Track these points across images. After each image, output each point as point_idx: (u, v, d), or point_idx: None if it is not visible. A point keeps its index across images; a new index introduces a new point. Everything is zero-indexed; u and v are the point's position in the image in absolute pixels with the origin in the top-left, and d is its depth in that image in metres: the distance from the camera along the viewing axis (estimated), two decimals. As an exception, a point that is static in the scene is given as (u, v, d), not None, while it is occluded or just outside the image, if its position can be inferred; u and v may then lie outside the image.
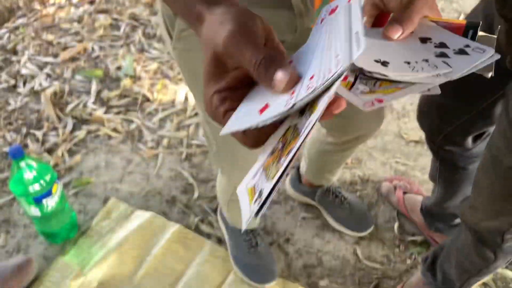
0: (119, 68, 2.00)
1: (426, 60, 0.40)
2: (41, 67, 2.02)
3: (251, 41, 0.35)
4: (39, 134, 1.73)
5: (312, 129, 0.31)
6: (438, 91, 0.42)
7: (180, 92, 1.89)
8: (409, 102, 1.84)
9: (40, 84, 1.92)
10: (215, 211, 1.49)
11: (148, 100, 1.87)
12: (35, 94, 1.90)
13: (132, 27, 2.23)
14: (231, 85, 0.38)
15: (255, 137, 0.36)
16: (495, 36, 0.44)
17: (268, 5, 0.68)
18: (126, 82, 1.92)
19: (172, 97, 1.88)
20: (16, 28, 2.28)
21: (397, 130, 1.74)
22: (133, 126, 1.77)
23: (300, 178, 1.48)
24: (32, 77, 1.97)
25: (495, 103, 0.88)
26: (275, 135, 0.36)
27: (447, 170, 1.15)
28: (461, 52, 0.41)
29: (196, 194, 1.54)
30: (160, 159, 1.66)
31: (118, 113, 1.81)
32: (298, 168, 1.49)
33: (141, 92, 1.89)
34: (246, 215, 0.33)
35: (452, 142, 1.04)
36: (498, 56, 0.40)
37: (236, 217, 1.28)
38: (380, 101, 0.39)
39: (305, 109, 0.34)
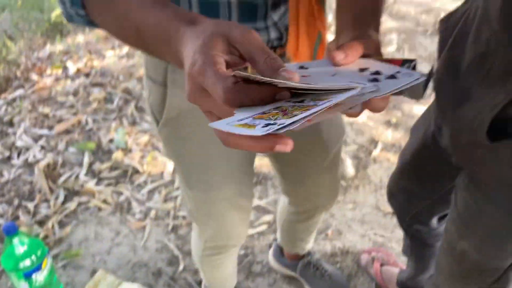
0: (111, 140, 2.10)
1: (357, 82, 0.45)
2: (36, 139, 2.11)
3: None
4: (30, 206, 1.79)
5: (328, 106, 0.38)
6: (358, 109, 0.46)
7: (169, 164, 1.98)
8: (385, 175, 1.94)
9: (34, 156, 2.01)
10: (199, 283, 1.53)
11: (138, 172, 1.95)
12: (29, 166, 1.97)
13: (125, 100, 2.36)
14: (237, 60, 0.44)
15: (242, 92, 0.39)
16: (427, 72, 0.48)
17: None
18: (117, 154, 2.01)
19: (161, 169, 1.97)
20: (14, 100, 2.39)
21: (374, 202, 1.83)
22: (122, 197, 1.84)
23: (282, 251, 1.55)
24: (27, 149, 2.06)
25: (452, 190, 0.98)
26: (261, 108, 0.40)
27: (417, 247, 1.23)
28: (392, 77, 0.46)
29: (181, 267, 1.59)
30: (148, 231, 1.71)
31: (108, 185, 1.89)
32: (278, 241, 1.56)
33: (131, 164, 1.97)
34: (248, 128, 0.36)
35: (419, 222, 1.13)
36: (423, 78, 0.44)
37: (212, 277, 1.32)
38: (284, 126, 0.41)
39: (304, 99, 0.41)
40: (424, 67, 2.62)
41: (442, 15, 0.86)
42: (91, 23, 0.60)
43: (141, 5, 0.51)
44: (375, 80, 0.46)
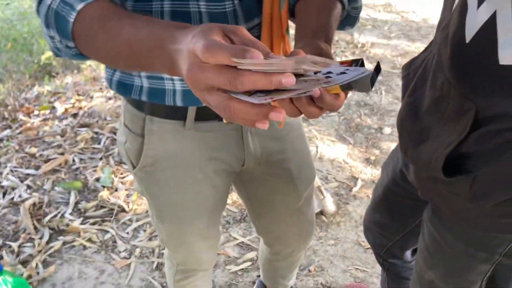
0: (97, 179, 2.13)
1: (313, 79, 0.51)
2: (22, 179, 2.13)
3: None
4: (14, 245, 1.79)
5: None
6: (311, 93, 0.52)
7: (154, 203, 2.01)
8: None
9: (20, 196, 2.03)
10: (183, 321, 1.54)
11: (123, 210, 1.98)
12: (14, 205, 1.99)
13: (112, 140, 2.41)
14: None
15: (218, 44, 0.44)
16: (372, 70, 0.53)
17: (222, 146, 0.91)
18: (103, 193, 2.04)
19: (146, 207, 2.00)
20: (1, 140, 2.42)
21: (355, 238, 1.88)
22: (107, 236, 1.85)
23: None
24: (13, 188, 2.07)
25: (420, 224, 1.04)
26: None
27: (393, 280, 1.28)
28: (342, 73, 0.52)
29: (165, 304, 1.60)
30: (132, 269, 1.73)
31: (94, 223, 1.91)
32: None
33: (117, 203, 2.00)
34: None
35: (393, 256, 1.19)
36: (369, 72, 0.50)
37: None
38: (272, 98, 0.47)
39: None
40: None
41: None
42: (78, 55, 0.66)
43: (132, 22, 0.58)
44: (328, 77, 0.52)
